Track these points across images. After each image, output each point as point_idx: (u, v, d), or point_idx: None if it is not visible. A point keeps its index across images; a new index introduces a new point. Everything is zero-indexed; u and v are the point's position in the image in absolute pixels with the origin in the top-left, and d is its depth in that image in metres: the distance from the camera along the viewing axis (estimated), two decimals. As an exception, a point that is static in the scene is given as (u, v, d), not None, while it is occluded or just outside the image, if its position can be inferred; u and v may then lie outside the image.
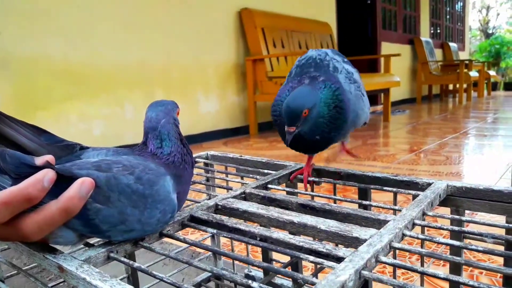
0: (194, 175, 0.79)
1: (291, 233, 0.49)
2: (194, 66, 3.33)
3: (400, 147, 2.87)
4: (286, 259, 0.84)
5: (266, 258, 0.79)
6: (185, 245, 0.94)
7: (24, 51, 2.31)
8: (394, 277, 0.65)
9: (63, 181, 0.40)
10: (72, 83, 2.54)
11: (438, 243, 0.43)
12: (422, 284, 0.79)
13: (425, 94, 7.13)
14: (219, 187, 0.71)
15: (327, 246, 0.41)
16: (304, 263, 0.91)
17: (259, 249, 1.19)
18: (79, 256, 0.43)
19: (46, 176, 0.38)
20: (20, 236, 0.39)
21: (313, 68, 0.66)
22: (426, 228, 0.53)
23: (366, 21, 6.16)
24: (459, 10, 9.64)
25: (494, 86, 10.81)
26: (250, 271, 0.91)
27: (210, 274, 0.90)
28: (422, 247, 0.53)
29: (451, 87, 7.77)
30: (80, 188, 0.40)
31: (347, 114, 0.62)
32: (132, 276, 0.76)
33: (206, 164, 0.84)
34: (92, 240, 0.49)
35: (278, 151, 2.83)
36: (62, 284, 0.62)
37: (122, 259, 0.43)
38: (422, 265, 0.62)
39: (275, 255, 0.80)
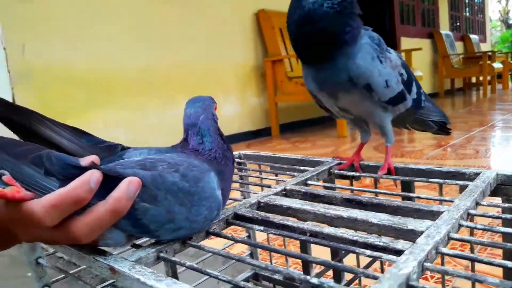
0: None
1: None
2: (213, 69, 3.33)
3: (427, 143, 2.82)
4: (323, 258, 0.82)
5: (305, 263, 0.77)
6: (219, 248, 0.93)
7: (46, 62, 2.36)
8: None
9: (109, 182, 0.39)
10: (94, 91, 2.57)
11: (499, 232, 0.42)
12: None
13: (447, 88, 6.99)
14: (256, 185, 0.70)
15: (383, 239, 0.40)
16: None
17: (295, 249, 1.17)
18: (130, 257, 0.42)
19: (93, 177, 0.38)
20: (71, 239, 0.39)
21: None
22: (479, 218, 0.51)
23: (384, 16, 6.08)
24: (478, 1, 9.44)
25: (519, 77, 10.54)
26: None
27: (248, 275, 0.90)
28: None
29: (474, 80, 7.61)
30: (128, 188, 0.39)
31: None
32: (173, 277, 0.76)
33: (239, 164, 0.84)
34: (139, 242, 0.49)
35: (301, 151, 2.81)
36: (109, 287, 0.62)
37: (173, 258, 0.43)
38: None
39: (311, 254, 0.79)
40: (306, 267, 0.77)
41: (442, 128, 0.80)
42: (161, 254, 0.44)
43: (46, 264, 0.57)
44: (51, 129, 0.45)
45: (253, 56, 3.69)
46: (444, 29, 7.26)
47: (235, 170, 0.82)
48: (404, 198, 0.60)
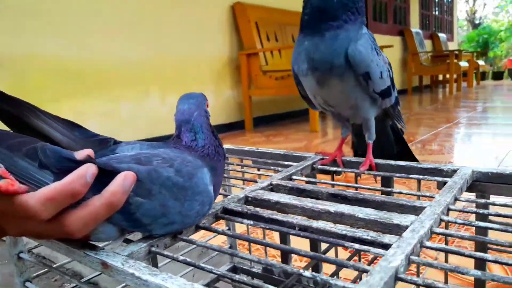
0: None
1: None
2: (188, 62, 3.31)
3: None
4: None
5: (285, 256, 0.79)
6: (194, 245, 0.94)
7: (17, 50, 2.28)
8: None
9: (104, 176, 0.39)
10: (66, 81, 2.51)
11: (476, 226, 0.44)
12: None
13: (415, 85, 7.17)
14: (242, 179, 0.71)
15: (370, 233, 0.42)
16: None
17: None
18: (122, 252, 0.42)
19: (89, 171, 0.38)
20: (64, 233, 0.39)
21: None
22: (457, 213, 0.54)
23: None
24: (447, 0, 9.70)
25: (483, 76, 10.93)
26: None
27: (228, 267, 0.91)
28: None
29: (441, 77, 7.83)
30: (123, 182, 0.39)
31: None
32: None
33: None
34: (128, 236, 0.49)
35: (275, 145, 2.84)
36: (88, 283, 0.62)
37: (165, 252, 0.43)
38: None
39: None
40: (285, 260, 0.79)
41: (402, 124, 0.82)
42: (153, 249, 0.44)
43: (28, 259, 0.56)
44: (43, 121, 0.44)
45: (228, 49, 3.68)
46: (415, 27, 7.43)
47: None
48: (384, 193, 0.62)
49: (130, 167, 0.41)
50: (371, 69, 0.62)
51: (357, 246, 0.40)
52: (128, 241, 0.46)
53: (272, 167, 0.71)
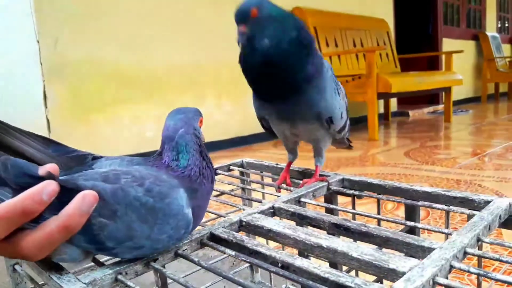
0: (227, 185, 0.75)
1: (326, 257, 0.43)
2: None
3: (462, 150, 2.68)
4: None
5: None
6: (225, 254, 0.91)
7: (78, 56, 2.39)
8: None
9: (66, 194, 0.37)
10: (123, 85, 2.60)
11: (496, 280, 0.36)
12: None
13: (491, 93, 6.67)
14: (247, 198, 0.67)
15: (356, 280, 0.35)
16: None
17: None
18: (84, 278, 0.39)
19: (46, 189, 0.35)
20: (21, 255, 0.36)
21: None
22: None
23: (426, 17, 5.87)
24: (530, 1, 8.95)
25: None
26: (288, 287, 0.85)
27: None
28: (478, 279, 0.46)
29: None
30: (82, 203, 0.36)
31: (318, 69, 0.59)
32: (162, 289, 0.73)
33: (241, 173, 0.80)
34: (103, 259, 0.46)
35: (328, 154, 2.74)
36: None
37: (129, 283, 0.40)
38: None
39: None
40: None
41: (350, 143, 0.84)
42: (119, 277, 0.41)
43: (21, 271, 0.55)
44: (16, 138, 0.43)
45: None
46: (491, 30, 6.93)
47: (238, 181, 0.79)
48: (406, 226, 0.54)
49: (94, 185, 0.38)
50: (334, 114, 0.64)
51: (337, 294, 0.34)
52: (100, 264, 0.43)
53: (284, 186, 0.66)
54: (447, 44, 5.79)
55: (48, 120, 2.28)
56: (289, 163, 0.73)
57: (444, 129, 3.82)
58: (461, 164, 2.26)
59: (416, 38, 5.82)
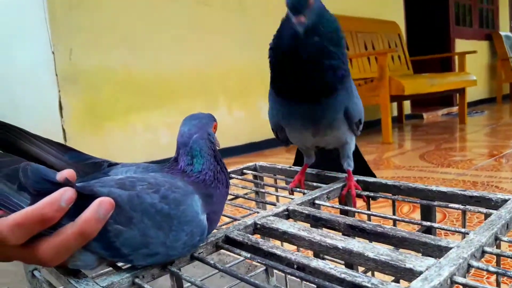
0: (241, 188, 0.75)
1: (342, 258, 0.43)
2: (254, 72, 3.31)
3: (478, 151, 2.65)
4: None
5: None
6: (242, 257, 0.91)
7: (91, 65, 2.43)
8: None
9: (83, 200, 0.37)
10: (136, 93, 2.62)
11: (515, 278, 0.35)
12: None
13: (506, 93, 6.57)
14: (260, 202, 0.67)
15: (372, 280, 0.35)
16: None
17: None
18: (101, 282, 0.40)
19: (64, 196, 0.36)
20: (37, 261, 0.37)
21: None
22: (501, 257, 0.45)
23: (437, 18, 5.82)
24: (544, 0, 8.82)
25: None
26: (304, 290, 0.85)
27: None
28: (498, 279, 0.45)
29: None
30: (98, 209, 0.37)
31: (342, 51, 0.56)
32: (179, 293, 0.73)
33: (255, 177, 0.80)
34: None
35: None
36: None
37: (146, 286, 0.40)
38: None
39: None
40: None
41: None
42: (137, 280, 0.41)
43: (40, 277, 0.56)
44: (35, 145, 0.44)
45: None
46: (504, 30, 6.84)
47: (251, 185, 0.79)
48: (422, 226, 0.54)
49: (111, 192, 0.39)
50: (362, 117, 0.66)
51: (353, 294, 0.34)
52: (117, 268, 0.44)
53: (298, 189, 0.66)
54: (460, 45, 5.73)
55: (64, 130, 2.31)
56: (306, 166, 0.71)
57: (459, 130, 3.77)
58: (477, 165, 2.23)
59: (428, 39, 5.77)
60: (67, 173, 0.39)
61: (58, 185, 0.37)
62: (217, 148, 0.50)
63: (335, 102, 0.57)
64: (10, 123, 0.43)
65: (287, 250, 0.43)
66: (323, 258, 0.62)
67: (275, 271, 0.92)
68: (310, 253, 0.55)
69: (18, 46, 2.54)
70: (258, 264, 1.12)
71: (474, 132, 3.59)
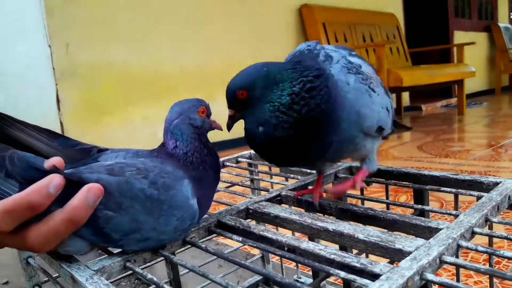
0: (236, 176, 0.75)
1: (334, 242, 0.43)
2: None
3: (476, 142, 2.65)
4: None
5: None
6: (238, 245, 0.91)
7: (89, 59, 2.42)
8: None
9: (72, 187, 0.37)
10: (134, 87, 2.62)
11: (503, 257, 0.35)
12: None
13: (505, 85, 6.56)
14: (253, 188, 0.67)
15: (362, 260, 0.35)
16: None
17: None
18: (93, 266, 0.40)
19: (52, 182, 0.36)
20: (27, 247, 0.37)
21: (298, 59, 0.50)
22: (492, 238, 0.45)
23: (436, 10, 5.80)
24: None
25: None
26: (300, 277, 0.85)
27: (258, 279, 0.86)
28: (490, 260, 0.45)
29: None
30: (87, 195, 0.37)
31: (333, 107, 0.44)
32: (174, 281, 0.74)
33: (250, 165, 0.80)
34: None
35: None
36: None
37: (137, 269, 0.40)
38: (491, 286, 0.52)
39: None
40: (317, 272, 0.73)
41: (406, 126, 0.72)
42: (128, 264, 0.41)
43: (34, 264, 0.56)
44: (22, 131, 0.43)
45: (295, 51, 3.63)
46: (503, 21, 6.82)
47: (246, 172, 0.79)
48: (415, 210, 0.54)
49: (100, 178, 0.39)
50: (382, 122, 0.52)
51: (343, 274, 0.34)
52: (109, 252, 0.44)
53: (291, 176, 0.66)
54: (459, 36, 5.71)
55: (61, 123, 2.31)
56: (321, 176, 0.57)
57: (458, 122, 3.77)
58: (475, 156, 2.23)
59: (427, 31, 5.75)
60: (55, 160, 0.39)
61: (46, 173, 0.37)
62: (220, 129, 0.49)
63: (336, 144, 0.47)
64: None
65: (278, 233, 0.43)
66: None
67: (271, 258, 0.93)
68: (306, 239, 0.55)
69: (15, 41, 2.53)
70: (255, 253, 1.13)
71: (473, 123, 3.58)
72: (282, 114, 0.44)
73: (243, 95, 0.47)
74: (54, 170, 0.37)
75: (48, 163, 0.38)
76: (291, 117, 0.44)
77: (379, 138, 0.55)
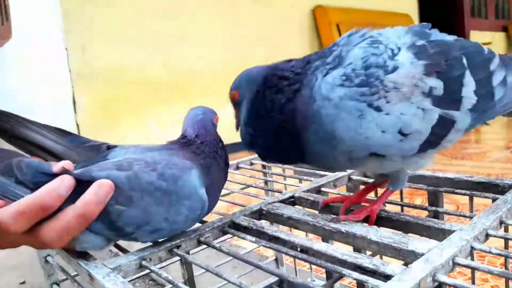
0: (251, 178, 0.76)
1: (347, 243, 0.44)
2: (268, 67, 3.31)
3: (494, 144, 2.61)
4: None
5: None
6: (252, 247, 0.92)
7: (104, 62, 2.46)
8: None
9: (83, 186, 0.38)
10: (149, 91, 2.65)
11: (517, 260, 0.35)
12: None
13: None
14: (265, 189, 0.67)
15: (374, 261, 0.35)
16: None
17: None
18: (110, 264, 0.41)
19: (63, 183, 0.37)
20: (42, 244, 0.38)
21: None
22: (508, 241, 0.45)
23: (452, 10, 5.73)
24: None
25: None
26: (313, 280, 0.86)
27: (273, 281, 0.87)
28: (506, 263, 0.45)
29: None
30: (97, 191, 0.38)
31: (295, 123, 0.42)
32: (189, 281, 0.75)
33: (263, 166, 0.80)
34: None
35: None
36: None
37: (153, 268, 0.41)
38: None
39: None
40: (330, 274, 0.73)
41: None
42: (144, 262, 0.42)
43: (53, 262, 0.57)
44: (34, 131, 0.45)
45: (310, 52, 3.62)
46: (521, 21, 6.71)
47: (260, 175, 0.80)
48: (429, 212, 0.54)
49: (109, 174, 0.40)
50: (380, 148, 0.42)
51: (355, 275, 0.34)
52: (125, 251, 0.45)
53: (305, 178, 0.66)
54: (476, 36, 5.63)
55: (77, 125, 2.34)
56: (371, 187, 0.53)
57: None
58: (492, 158, 2.20)
59: (443, 31, 5.67)
60: (63, 163, 0.40)
61: (54, 176, 0.38)
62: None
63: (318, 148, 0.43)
64: (6, 111, 0.45)
65: (291, 233, 0.43)
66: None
67: (284, 261, 0.93)
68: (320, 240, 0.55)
69: (32, 43, 2.58)
70: (268, 255, 1.13)
71: (490, 124, 3.53)
72: (250, 120, 0.45)
73: (235, 96, 0.49)
74: (64, 171, 0.38)
75: (56, 167, 0.39)
76: (256, 124, 0.45)
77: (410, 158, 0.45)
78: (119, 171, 0.40)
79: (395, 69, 0.41)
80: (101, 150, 0.47)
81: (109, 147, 0.48)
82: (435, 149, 0.44)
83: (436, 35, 0.46)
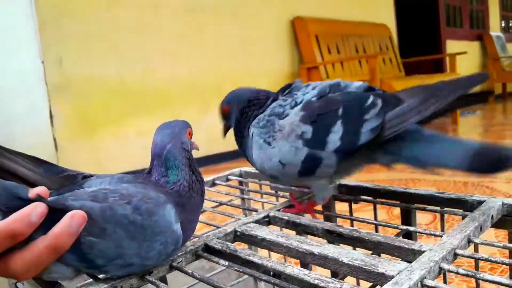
0: (226, 195, 0.75)
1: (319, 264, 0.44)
2: (246, 78, 3.32)
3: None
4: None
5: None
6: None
7: (82, 74, 2.43)
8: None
9: (56, 214, 0.37)
10: (128, 101, 2.63)
11: (483, 280, 0.36)
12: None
13: (498, 93, 6.62)
14: (243, 208, 0.67)
15: (344, 286, 0.36)
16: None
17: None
18: (79, 293, 0.40)
19: (35, 211, 0.36)
20: (10, 274, 0.37)
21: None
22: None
23: (428, 20, 5.86)
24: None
25: None
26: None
27: (251, 297, 0.86)
28: (477, 282, 0.46)
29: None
30: (70, 223, 0.37)
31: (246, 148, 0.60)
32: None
33: (240, 183, 0.80)
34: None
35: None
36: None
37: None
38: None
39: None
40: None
41: None
42: (114, 291, 0.41)
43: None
44: (8, 158, 0.44)
45: (288, 62, 3.65)
46: (495, 30, 6.90)
47: (236, 191, 0.79)
48: (401, 230, 0.55)
49: (83, 205, 0.39)
50: (274, 172, 0.57)
51: (325, 300, 0.34)
52: (97, 278, 0.44)
53: (281, 194, 0.66)
54: (452, 45, 5.77)
55: (55, 139, 2.30)
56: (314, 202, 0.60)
57: (452, 131, 3.79)
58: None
59: (419, 41, 5.80)
60: (39, 190, 0.39)
61: (29, 202, 0.37)
62: (197, 150, 0.50)
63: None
64: None
65: (264, 257, 0.43)
66: (308, 266, 0.62)
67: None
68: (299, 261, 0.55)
69: (7, 55, 2.53)
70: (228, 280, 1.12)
71: (467, 132, 3.61)
72: (236, 129, 0.62)
73: (227, 109, 0.62)
74: (38, 198, 0.37)
75: (32, 193, 0.38)
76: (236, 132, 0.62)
77: (321, 179, 0.55)
78: (94, 202, 0.39)
79: (285, 116, 0.54)
80: (76, 179, 0.46)
81: (85, 176, 0.47)
82: (316, 176, 0.54)
83: (350, 87, 0.56)
